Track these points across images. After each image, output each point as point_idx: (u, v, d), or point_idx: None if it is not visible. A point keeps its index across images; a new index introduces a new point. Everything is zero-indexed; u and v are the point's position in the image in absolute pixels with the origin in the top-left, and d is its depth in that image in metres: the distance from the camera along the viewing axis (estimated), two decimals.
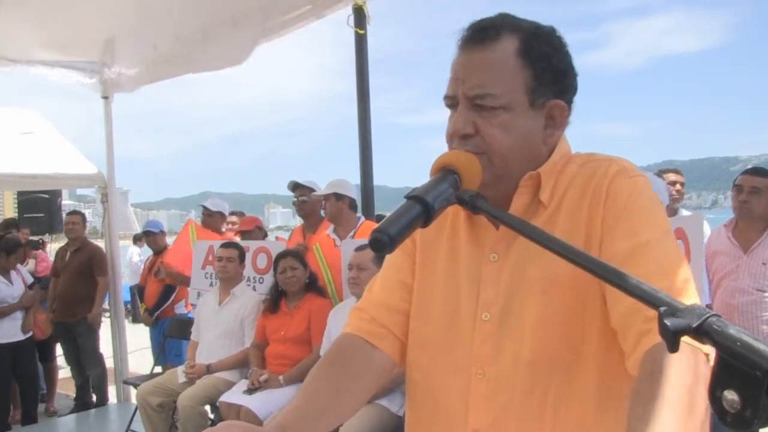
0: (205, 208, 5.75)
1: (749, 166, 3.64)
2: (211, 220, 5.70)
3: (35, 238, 7.80)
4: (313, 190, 4.42)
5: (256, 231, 5.64)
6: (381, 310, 1.15)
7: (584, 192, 1.01)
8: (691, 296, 0.88)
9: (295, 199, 4.62)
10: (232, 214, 6.54)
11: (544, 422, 0.97)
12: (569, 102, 1.05)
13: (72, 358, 5.75)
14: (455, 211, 1.09)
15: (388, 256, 1.22)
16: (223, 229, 5.95)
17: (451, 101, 1.04)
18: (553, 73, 1.02)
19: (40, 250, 7.65)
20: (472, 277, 1.07)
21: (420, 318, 1.13)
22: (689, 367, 0.78)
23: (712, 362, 0.78)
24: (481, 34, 1.01)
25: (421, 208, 0.83)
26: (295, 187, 4.60)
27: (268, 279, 4.46)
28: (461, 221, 1.12)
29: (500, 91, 0.99)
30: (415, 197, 0.84)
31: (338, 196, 4.12)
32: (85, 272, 5.70)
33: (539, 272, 0.99)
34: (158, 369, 6.02)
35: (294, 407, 1.02)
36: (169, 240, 6.24)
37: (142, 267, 6.42)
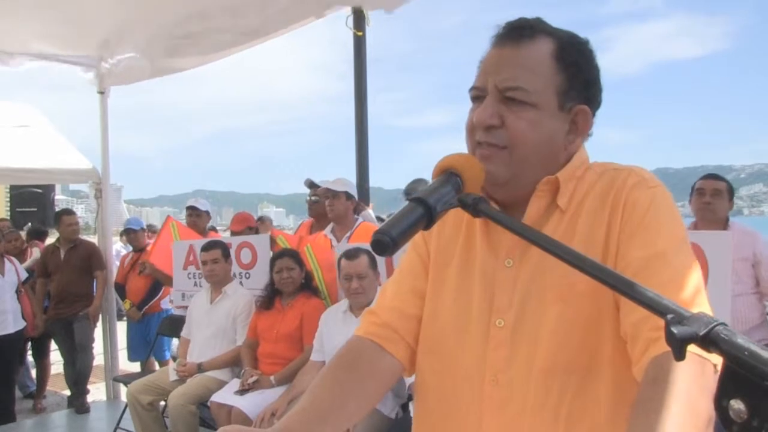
0: (194, 208, 5.65)
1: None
2: (200, 220, 5.63)
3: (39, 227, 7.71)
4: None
5: (246, 232, 5.56)
6: (393, 315, 1.14)
7: (604, 201, 1.00)
8: (703, 306, 0.87)
9: (309, 198, 4.59)
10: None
11: (557, 430, 0.97)
12: (593, 112, 1.06)
13: (67, 354, 5.71)
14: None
15: (402, 261, 1.22)
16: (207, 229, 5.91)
17: (479, 92, 1.03)
18: (583, 82, 1.03)
19: (44, 242, 7.57)
20: (486, 282, 1.06)
21: (432, 322, 1.12)
22: (694, 377, 0.77)
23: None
24: (517, 32, 1.01)
25: (423, 211, 0.82)
26: (311, 185, 4.56)
27: (255, 273, 4.44)
28: (477, 226, 1.11)
29: (532, 88, 0.99)
30: (417, 199, 0.83)
31: (348, 196, 4.11)
32: (84, 268, 5.70)
33: (556, 279, 0.98)
34: (137, 365, 6.01)
35: (299, 409, 1.01)
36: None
37: (118, 264, 6.36)
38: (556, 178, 1.02)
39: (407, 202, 0.84)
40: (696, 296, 0.88)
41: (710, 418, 0.76)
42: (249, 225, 5.72)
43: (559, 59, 1.00)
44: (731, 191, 3.57)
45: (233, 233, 5.60)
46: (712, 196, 3.49)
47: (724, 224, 3.51)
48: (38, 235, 7.38)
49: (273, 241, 4.45)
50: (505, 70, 1.00)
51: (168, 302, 5.82)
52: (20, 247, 6.37)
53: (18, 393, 5.87)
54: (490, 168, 0.99)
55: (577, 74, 1.02)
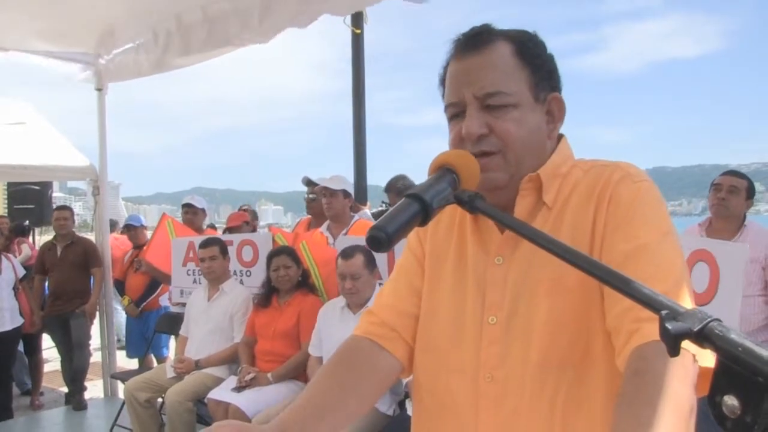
0: (190, 205, 5.66)
1: None
2: (196, 217, 5.65)
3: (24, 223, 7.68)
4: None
5: (243, 227, 5.63)
6: (391, 314, 1.15)
7: (589, 196, 1.01)
8: (685, 300, 0.88)
9: (307, 196, 4.59)
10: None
11: (554, 424, 0.97)
12: None
13: (64, 350, 5.71)
14: (463, 213, 1.09)
15: (398, 261, 1.23)
16: (204, 227, 5.93)
17: (457, 107, 1.05)
18: (547, 72, 1.06)
19: (28, 238, 7.54)
20: (478, 280, 1.07)
21: (428, 321, 1.12)
22: (675, 367, 0.78)
23: (700, 363, 0.78)
24: (474, 41, 1.04)
25: (419, 207, 0.82)
26: (309, 183, 4.56)
27: (255, 271, 4.44)
28: (467, 223, 1.12)
29: (509, 89, 1.01)
30: (413, 195, 0.83)
31: (345, 194, 4.10)
32: (81, 265, 5.69)
33: (546, 274, 0.99)
34: (135, 361, 6.01)
35: (296, 407, 1.01)
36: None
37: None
38: (537, 175, 1.04)
39: (403, 199, 0.84)
40: (678, 289, 0.88)
41: (692, 406, 0.77)
42: (245, 220, 5.79)
43: (520, 56, 1.03)
44: (750, 190, 3.50)
45: (231, 230, 5.62)
46: (728, 193, 3.44)
47: (739, 222, 3.46)
48: (21, 232, 7.35)
49: (272, 240, 4.47)
50: (478, 79, 1.01)
51: (166, 299, 5.83)
52: (5, 243, 6.34)
53: (15, 390, 5.86)
54: (490, 176, 1.01)
55: (540, 66, 1.05)
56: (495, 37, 1.04)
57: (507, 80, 1.01)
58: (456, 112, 1.05)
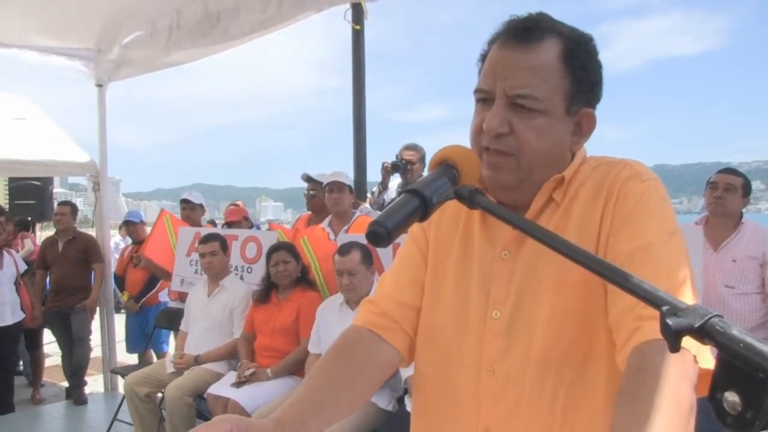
0: (187, 201, 5.63)
1: None
2: (194, 213, 5.64)
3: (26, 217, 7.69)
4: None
5: (243, 222, 5.63)
6: (392, 305, 1.14)
7: (597, 193, 1.00)
8: (689, 299, 0.87)
9: (307, 192, 4.58)
10: (231, 205, 6.52)
11: (554, 421, 0.97)
12: (594, 107, 1.06)
13: (65, 345, 5.72)
14: None
15: (400, 251, 1.22)
16: (203, 223, 5.91)
17: (485, 95, 1.02)
18: (589, 83, 1.03)
19: (31, 233, 7.54)
20: (483, 274, 1.06)
21: (431, 312, 1.12)
22: (675, 366, 0.78)
23: (700, 364, 0.78)
24: (525, 34, 0.99)
25: (419, 202, 0.82)
26: (308, 180, 4.55)
27: (257, 268, 4.44)
28: (475, 217, 1.11)
29: (542, 95, 0.98)
30: (413, 191, 0.83)
31: (350, 190, 4.11)
32: (82, 260, 5.71)
33: (551, 271, 0.98)
34: (135, 357, 6.02)
35: (294, 400, 1.00)
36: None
37: (118, 255, 6.39)
38: (563, 176, 1.03)
39: (404, 193, 0.84)
40: (682, 289, 0.88)
41: (692, 405, 0.76)
42: (244, 216, 5.77)
43: (566, 62, 0.99)
44: (746, 187, 3.48)
45: (230, 224, 5.62)
46: (724, 191, 3.42)
47: (736, 220, 3.44)
48: (24, 226, 7.36)
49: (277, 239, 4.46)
50: (514, 76, 0.98)
51: (166, 295, 5.84)
52: (8, 239, 6.34)
53: (17, 383, 5.85)
54: (499, 176, 1.01)
55: (583, 78, 1.01)
56: (547, 33, 0.99)
57: (543, 86, 0.98)
58: (484, 98, 1.03)
